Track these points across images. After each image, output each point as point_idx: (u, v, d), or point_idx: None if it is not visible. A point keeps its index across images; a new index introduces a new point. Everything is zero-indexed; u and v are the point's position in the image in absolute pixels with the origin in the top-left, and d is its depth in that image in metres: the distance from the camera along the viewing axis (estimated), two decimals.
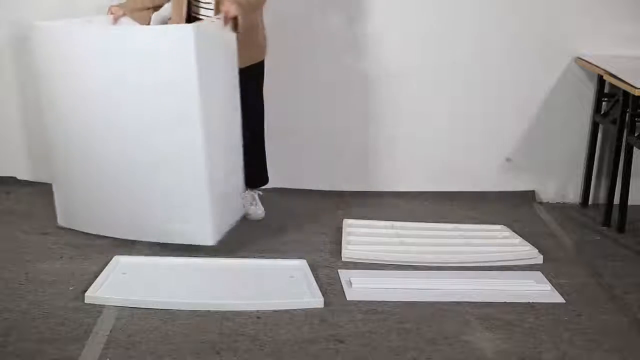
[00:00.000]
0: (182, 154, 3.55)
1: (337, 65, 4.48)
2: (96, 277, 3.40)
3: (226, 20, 3.66)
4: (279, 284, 3.47)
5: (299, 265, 3.61)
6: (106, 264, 3.53)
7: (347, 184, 4.49)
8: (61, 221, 3.97)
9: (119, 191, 3.71)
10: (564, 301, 3.45)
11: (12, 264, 3.54)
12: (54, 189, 3.96)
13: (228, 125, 3.78)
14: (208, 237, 3.64)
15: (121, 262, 3.57)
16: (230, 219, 3.89)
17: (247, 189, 4.13)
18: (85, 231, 3.86)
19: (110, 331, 3.00)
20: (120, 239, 3.78)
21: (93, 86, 3.58)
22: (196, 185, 3.58)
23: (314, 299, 3.31)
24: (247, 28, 3.74)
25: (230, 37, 3.70)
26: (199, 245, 3.69)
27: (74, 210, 3.92)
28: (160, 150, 3.56)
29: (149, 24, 4.01)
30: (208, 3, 3.85)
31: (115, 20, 3.91)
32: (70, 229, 3.91)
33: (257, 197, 4.21)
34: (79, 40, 3.62)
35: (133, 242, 3.77)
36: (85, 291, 3.27)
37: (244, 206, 4.09)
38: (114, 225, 3.80)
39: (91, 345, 2.90)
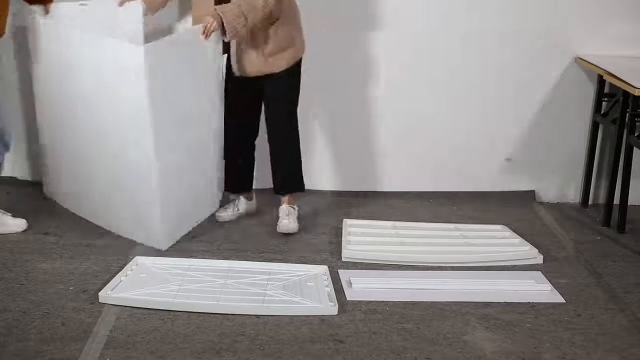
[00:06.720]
0: (136, 161, 3.64)
1: (335, 67, 4.49)
2: (97, 276, 3.41)
3: (207, 34, 3.66)
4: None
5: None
6: (106, 264, 3.54)
7: (347, 184, 4.49)
8: (46, 191, 4.26)
9: (91, 180, 3.90)
10: (564, 301, 3.45)
11: (12, 264, 3.54)
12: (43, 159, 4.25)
13: (198, 129, 3.84)
14: (160, 243, 3.70)
15: (140, 263, 3.55)
16: (194, 220, 3.96)
17: (282, 197, 4.06)
18: (64, 206, 4.06)
19: (110, 331, 3.00)
20: (123, 238, 3.82)
21: (70, 88, 3.85)
22: (148, 195, 3.65)
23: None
24: (248, 37, 3.75)
25: (211, 46, 3.77)
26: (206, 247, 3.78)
27: (58, 183, 4.14)
28: (116, 153, 3.71)
29: (163, 7, 4.06)
30: None
31: (122, 3, 3.97)
32: (70, 229, 3.92)
33: (294, 211, 4.07)
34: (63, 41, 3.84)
35: (134, 242, 3.78)
36: (86, 291, 3.28)
37: (278, 218, 4.03)
38: (88, 208, 3.95)
39: (91, 345, 2.90)
